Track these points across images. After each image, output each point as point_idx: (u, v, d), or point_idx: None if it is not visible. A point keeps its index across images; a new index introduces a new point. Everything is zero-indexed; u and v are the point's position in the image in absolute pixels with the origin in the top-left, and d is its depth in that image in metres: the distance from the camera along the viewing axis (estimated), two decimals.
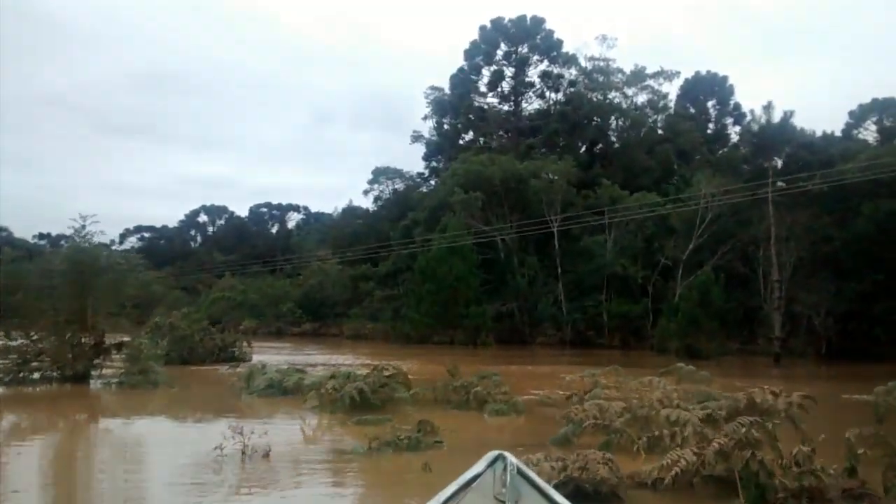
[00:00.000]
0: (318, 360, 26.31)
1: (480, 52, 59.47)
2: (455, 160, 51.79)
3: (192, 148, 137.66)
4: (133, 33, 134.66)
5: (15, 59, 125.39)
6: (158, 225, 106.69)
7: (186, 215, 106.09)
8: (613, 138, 60.83)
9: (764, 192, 36.38)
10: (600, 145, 60.08)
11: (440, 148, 62.88)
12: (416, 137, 65.79)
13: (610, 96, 61.02)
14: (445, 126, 61.57)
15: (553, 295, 45.58)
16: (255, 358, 25.68)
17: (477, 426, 13.29)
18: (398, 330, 46.25)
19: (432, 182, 62.58)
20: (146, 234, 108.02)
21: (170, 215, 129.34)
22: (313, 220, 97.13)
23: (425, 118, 63.74)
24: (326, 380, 14.82)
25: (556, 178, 47.72)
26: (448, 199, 46.65)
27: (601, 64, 61.78)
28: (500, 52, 60.43)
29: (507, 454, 2.66)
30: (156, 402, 16.91)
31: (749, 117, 42.92)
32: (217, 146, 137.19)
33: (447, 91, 61.06)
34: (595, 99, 59.61)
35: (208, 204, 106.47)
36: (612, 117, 60.88)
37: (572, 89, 60.46)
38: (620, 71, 62.02)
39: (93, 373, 18.95)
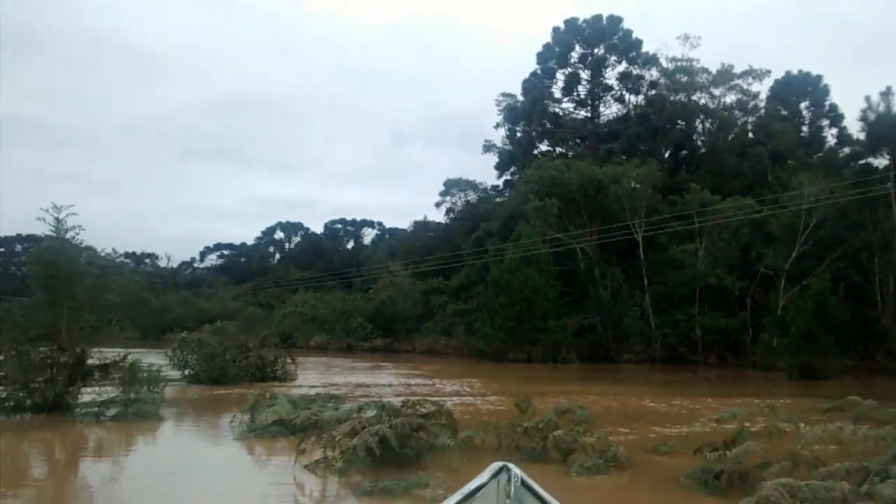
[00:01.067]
0: (370, 381, 23.78)
1: (554, 55, 56.77)
2: (529, 167, 49.13)
3: (273, 171, 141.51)
4: (214, 61, 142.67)
5: (105, 89, 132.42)
6: (237, 242, 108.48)
7: (263, 232, 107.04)
8: (699, 142, 57.03)
9: (880, 190, 32.35)
10: (685, 150, 56.41)
11: (513, 157, 60.36)
12: (488, 147, 63.52)
13: (694, 97, 57.24)
14: (518, 134, 59.00)
15: (639, 308, 42.24)
16: (302, 377, 23.79)
17: (562, 489, 8.38)
18: (471, 346, 43.82)
19: (505, 193, 60.10)
20: (225, 252, 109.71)
21: (250, 235, 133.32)
22: (387, 236, 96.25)
23: (497, 126, 61.41)
24: (346, 417, 11.06)
25: (637, 185, 44.48)
26: (522, 207, 44.04)
27: (684, 64, 58.15)
28: (574, 55, 57.61)
29: (511, 465, 2.57)
30: (111, 441, 12.76)
31: (865, 105, 38.40)
32: (296, 168, 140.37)
33: (519, 97, 58.55)
34: (679, 101, 55.98)
35: (284, 221, 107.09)
36: (698, 119, 57.05)
37: (653, 91, 57.02)
38: (705, 70, 58.17)
39: (74, 399, 14.91)
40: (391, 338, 53.48)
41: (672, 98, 55.95)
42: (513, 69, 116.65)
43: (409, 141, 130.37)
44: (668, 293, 41.93)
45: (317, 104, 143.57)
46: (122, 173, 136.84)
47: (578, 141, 58.83)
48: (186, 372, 20.98)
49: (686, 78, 57.26)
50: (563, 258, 42.91)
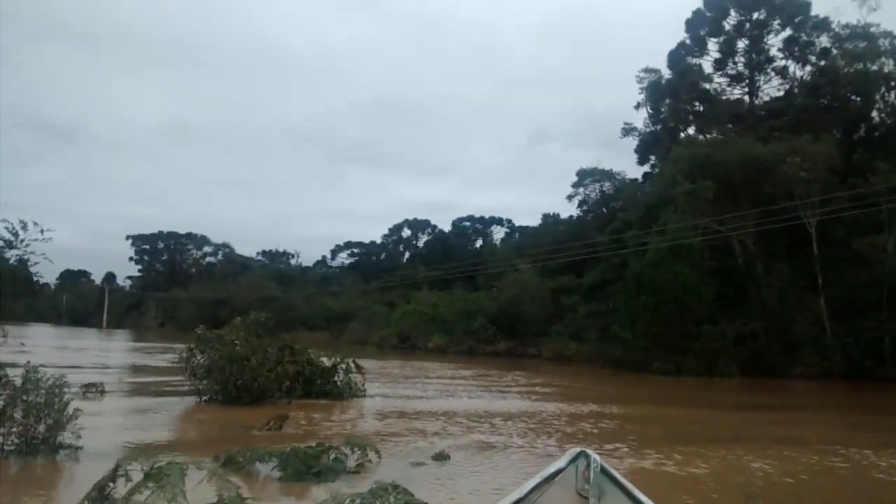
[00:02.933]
0: (475, 405, 16.52)
1: (705, 21, 49.69)
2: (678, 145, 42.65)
3: (413, 174, 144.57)
4: (360, 66, 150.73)
5: (257, 95, 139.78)
6: (367, 241, 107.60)
7: (390, 229, 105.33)
8: (880, 117, 48.24)
9: None
10: (862, 127, 47.86)
11: (656, 139, 53.58)
12: (628, 130, 57.09)
13: (874, 67, 48.53)
14: (663, 113, 52.27)
15: (812, 313, 35.09)
16: (390, 389, 19.53)
17: None
18: (606, 353, 38.26)
19: (646, 187, 53.57)
20: (355, 250, 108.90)
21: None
22: (517, 235, 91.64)
23: (637, 106, 54.79)
24: None
25: (807, 167, 37.13)
26: (668, 192, 37.86)
27: (860, 30, 49.47)
28: (729, 22, 50.27)
29: (589, 451, 2.53)
30: None
31: None
32: (436, 171, 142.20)
33: (665, 72, 51.84)
34: (854, 71, 47.52)
35: (411, 218, 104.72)
36: (879, 92, 48.30)
37: (824, 62, 48.83)
38: (889, 35, 49.24)
39: None
40: (516, 341, 48.58)
41: (846, 69, 47.68)
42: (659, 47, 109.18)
43: (549, 140, 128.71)
44: (847, 296, 34.55)
45: (460, 106, 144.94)
46: (272, 177, 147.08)
47: (731, 125, 51.42)
48: (200, 385, 14.66)
49: (864, 44, 48.73)
50: (717, 252, 36.43)
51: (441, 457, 9.11)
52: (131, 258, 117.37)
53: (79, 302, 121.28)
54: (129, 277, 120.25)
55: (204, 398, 14.37)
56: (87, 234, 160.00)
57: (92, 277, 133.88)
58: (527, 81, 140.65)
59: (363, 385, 16.77)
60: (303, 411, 13.30)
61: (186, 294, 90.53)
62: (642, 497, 2.49)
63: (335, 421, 12.85)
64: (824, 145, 37.42)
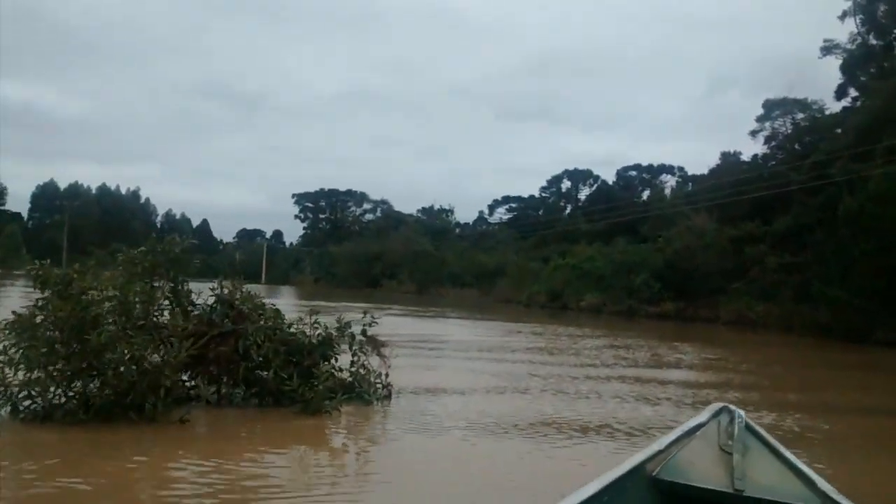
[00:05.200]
0: (625, 411, 9.20)
1: None
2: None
3: (583, 128, 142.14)
4: (528, 21, 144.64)
5: (428, 56, 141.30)
6: (525, 195, 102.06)
7: (548, 181, 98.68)
8: None
9: None
10: None
11: (868, 55, 42.98)
12: (828, 49, 46.53)
13: None
14: (881, 15, 41.50)
15: None
16: (492, 383, 11.43)
17: None
18: (805, 316, 30.19)
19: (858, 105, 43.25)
20: (513, 205, 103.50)
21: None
22: (690, 185, 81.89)
23: (843, 16, 44.18)
24: None
25: None
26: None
27: None
28: None
29: (732, 406, 2.51)
30: None
31: None
32: (605, 125, 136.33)
33: None
34: None
35: (571, 168, 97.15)
36: None
37: None
38: None
39: None
40: (686, 301, 40.72)
41: None
42: None
43: (728, 87, 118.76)
44: None
45: (633, 56, 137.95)
46: (444, 137, 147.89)
47: None
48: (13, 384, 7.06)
49: None
50: None
51: None
52: (296, 216, 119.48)
53: (250, 259, 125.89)
54: (302, 236, 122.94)
55: (21, 411, 6.92)
56: (266, 196, 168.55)
57: (267, 236, 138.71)
58: (705, 25, 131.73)
59: (384, 374, 8.90)
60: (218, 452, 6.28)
61: (340, 250, 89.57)
62: (789, 455, 2.39)
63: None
64: None
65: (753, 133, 51.72)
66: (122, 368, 6.63)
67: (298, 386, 7.75)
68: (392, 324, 23.24)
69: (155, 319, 7.71)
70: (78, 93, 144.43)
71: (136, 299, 7.45)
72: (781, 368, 17.70)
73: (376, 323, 8.97)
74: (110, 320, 6.99)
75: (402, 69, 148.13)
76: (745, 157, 53.43)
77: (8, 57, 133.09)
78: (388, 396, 8.91)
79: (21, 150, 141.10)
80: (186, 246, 8.50)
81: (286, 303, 40.79)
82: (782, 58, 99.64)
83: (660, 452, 2.35)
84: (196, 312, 8.18)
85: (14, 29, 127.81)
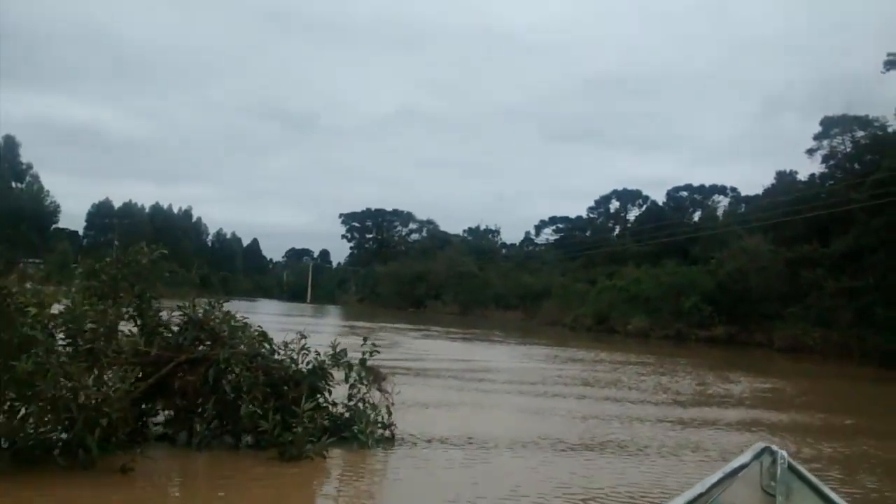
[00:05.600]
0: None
1: None
2: None
3: (634, 150, 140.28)
4: (579, 42, 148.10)
5: (477, 77, 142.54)
6: (573, 216, 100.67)
7: (596, 201, 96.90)
8: None
9: None
10: None
11: None
12: (892, 63, 44.53)
13: None
14: None
15: None
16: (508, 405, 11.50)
17: None
18: (866, 342, 28.52)
19: None
20: (560, 226, 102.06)
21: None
22: (743, 206, 79.51)
23: None
24: None
25: None
26: None
27: None
28: None
29: (774, 447, 2.40)
30: None
31: None
32: (656, 147, 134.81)
33: None
34: None
35: (620, 188, 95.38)
36: None
37: None
38: None
39: None
40: (738, 326, 39.07)
41: None
42: None
43: (784, 109, 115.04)
44: None
45: (687, 78, 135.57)
46: (492, 159, 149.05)
47: None
48: None
49: None
50: None
51: None
52: (343, 236, 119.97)
53: (297, 278, 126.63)
54: (349, 256, 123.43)
55: None
56: (315, 216, 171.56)
57: (315, 256, 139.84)
58: (761, 46, 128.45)
59: (387, 414, 7.64)
60: None
61: (385, 270, 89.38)
62: (834, 496, 2.35)
63: None
64: None
65: (811, 152, 49.77)
66: (56, 401, 5.47)
67: (274, 426, 6.49)
68: (423, 347, 22.49)
69: (110, 342, 6.50)
70: (135, 114, 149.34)
71: (87, 319, 6.30)
72: (839, 397, 16.38)
73: (377, 352, 7.74)
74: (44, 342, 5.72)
75: (450, 90, 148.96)
76: (802, 176, 51.53)
77: (70, 79, 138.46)
78: (391, 439, 7.51)
79: (80, 170, 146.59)
80: (157, 256, 7.31)
81: (328, 322, 40.56)
82: (841, 78, 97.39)
83: (701, 495, 2.29)
84: (168, 335, 7.03)
85: (76, 52, 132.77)
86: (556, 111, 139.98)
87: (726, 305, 39.62)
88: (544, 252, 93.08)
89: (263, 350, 7.18)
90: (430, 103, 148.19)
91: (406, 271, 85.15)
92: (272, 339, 7.40)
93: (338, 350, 7.43)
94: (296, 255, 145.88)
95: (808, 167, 51.06)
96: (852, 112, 48.59)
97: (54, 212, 70.50)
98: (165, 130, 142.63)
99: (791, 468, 2.37)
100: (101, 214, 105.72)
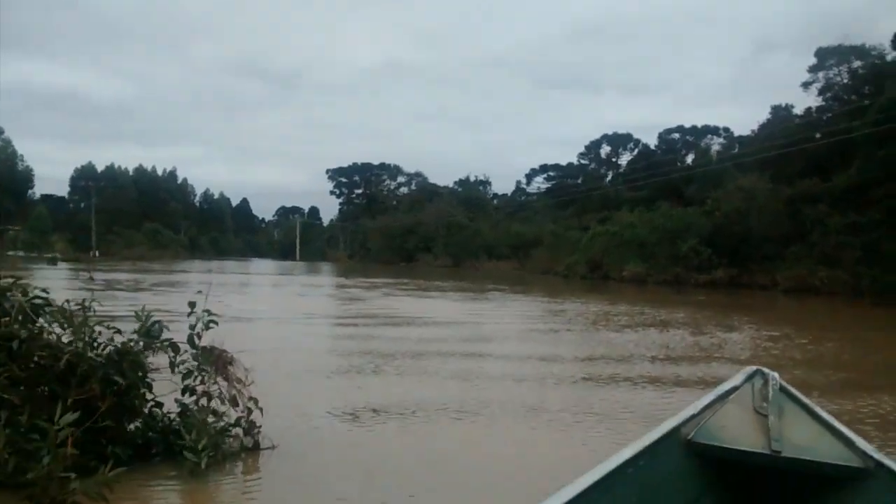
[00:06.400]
0: None
1: None
2: None
3: (622, 95, 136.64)
4: None
5: (463, 27, 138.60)
6: (564, 163, 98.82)
7: (586, 147, 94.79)
8: None
9: None
10: None
11: None
12: None
13: None
14: None
15: None
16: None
17: None
18: (874, 280, 27.24)
19: None
20: (551, 174, 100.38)
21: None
22: (737, 147, 77.69)
23: None
24: None
25: None
26: None
27: None
28: None
29: (766, 369, 2.41)
30: None
31: None
32: (646, 91, 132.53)
33: None
34: None
35: (611, 133, 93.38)
36: None
37: None
38: None
39: None
40: (739, 268, 37.76)
41: None
42: None
43: (775, 49, 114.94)
44: None
45: (673, 20, 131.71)
46: (481, 109, 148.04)
47: None
48: None
49: None
50: None
51: None
52: (331, 192, 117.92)
53: (287, 237, 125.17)
54: (338, 212, 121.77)
55: None
56: (304, 174, 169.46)
57: (305, 213, 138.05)
58: None
59: (245, 408, 4.98)
60: None
61: (374, 224, 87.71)
62: (826, 415, 2.36)
63: None
64: None
65: (806, 85, 47.99)
66: None
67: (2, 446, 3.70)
68: (391, 305, 20.96)
69: None
70: (115, 75, 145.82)
71: None
72: (855, 338, 14.98)
73: (215, 324, 4.97)
74: None
75: (437, 42, 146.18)
76: (798, 111, 49.75)
77: (45, 42, 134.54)
78: (255, 448, 4.97)
79: (63, 135, 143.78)
80: None
81: (317, 281, 38.96)
82: (832, 16, 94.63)
83: (694, 416, 2.31)
84: None
85: (50, 14, 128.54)
86: (544, 59, 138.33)
87: (726, 247, 38.24)
88: (536, 201, 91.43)
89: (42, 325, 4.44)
90: (417, 55, 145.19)
91: (395, 225, 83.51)
92: (58, 304, 4.58)
93: (150, 323, 4.76)
94: (286, 214, 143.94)
95: (804, 101, 49.40)
96: (848, 43, 46.80)
97: (28, 176, 68.24)
98: (147, 92, 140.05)
99: (783, 390, 2.35)
100: (83, 178, 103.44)
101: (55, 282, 18.01)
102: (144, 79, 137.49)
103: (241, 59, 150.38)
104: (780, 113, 50.36)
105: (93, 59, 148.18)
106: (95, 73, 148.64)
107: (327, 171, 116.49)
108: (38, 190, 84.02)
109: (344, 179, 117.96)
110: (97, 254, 66.59)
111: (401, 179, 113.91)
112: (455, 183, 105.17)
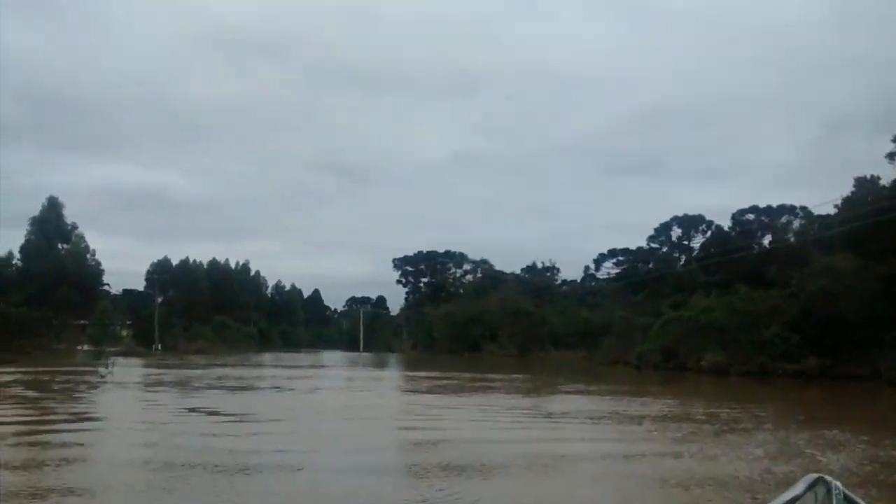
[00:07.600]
0: None
1: None
2: None
3: (694, 180, 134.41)
4: (632, 74, 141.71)
5: (529, 117, 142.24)
6: (633, 247, 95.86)
7: (656, 229, 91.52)
8: None
9: None
10: None
11: None
12: None
13: None
14: None
15: None
16: None
17: None
18: None
19: None
20: (620, 258, 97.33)
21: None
22: (816, 225, 73.52)
23: None
24: None
25: None
26: None
27: None
28: None
29: (828, 477, 2.32)
30: None
31: None
32: (715, 175, 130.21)
33: None
34: None
35: (681, 214, 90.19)
36: None
37: None
38: None
39: None
40: (830, 356, 34.01)
41: None
42: None
43: (849, 130, 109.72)
44: None
45: (745, 105, 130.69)
46: (548, 196, 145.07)
47: None
48: None
49: None
50: None
51: None
52: (398, 281, 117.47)
53: (354, 327, 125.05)
54: (404, 301, 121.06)
55: None
56: (373, 264, 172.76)
57: (373, 303, 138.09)
58: (820, 68, 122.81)
59: None
60: None
61: (437, 313, 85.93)
62: None
63: None
64: None
65: (892, 156, 44.71)
66: None
67: None
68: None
69: None
70: (194, 173, 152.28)
71: None
72: None
73: None
74: None
75: (502, 132, 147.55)
76: (884, 182, 46.23)
77: (132, 144, 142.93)
78: None
79: (142, 232, 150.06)
80: None
81: (368, 375, 37.24)
82: None
83: None
84: None
85: (137, 117, 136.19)
86: (611, 145, 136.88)
87: (814, 333, 34.68)
88: (605, 286, 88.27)
89: None
90: (483, 146, 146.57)
91: (459, 313, 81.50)
92: None
93: None
94: (355, 304, 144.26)
95: (889, 174, 45.83)
96: None
97: (97, 272, 69.85)
98: (225, 189, 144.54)
99: (846, 499, 2.28)
100: (159, 273, 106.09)
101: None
102: (222, 175, 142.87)
103: (314, 155, 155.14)
104: (865, 185, 46.87)
105: (174, 158, 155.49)
106: (176, 171, 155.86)
107: (394, 261, 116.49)
108: (115, 285, 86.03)
109: (410, 268, 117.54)
110: (159, 348, 66.87)
111: (466, 267, 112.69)
112: (521, 270, 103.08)
